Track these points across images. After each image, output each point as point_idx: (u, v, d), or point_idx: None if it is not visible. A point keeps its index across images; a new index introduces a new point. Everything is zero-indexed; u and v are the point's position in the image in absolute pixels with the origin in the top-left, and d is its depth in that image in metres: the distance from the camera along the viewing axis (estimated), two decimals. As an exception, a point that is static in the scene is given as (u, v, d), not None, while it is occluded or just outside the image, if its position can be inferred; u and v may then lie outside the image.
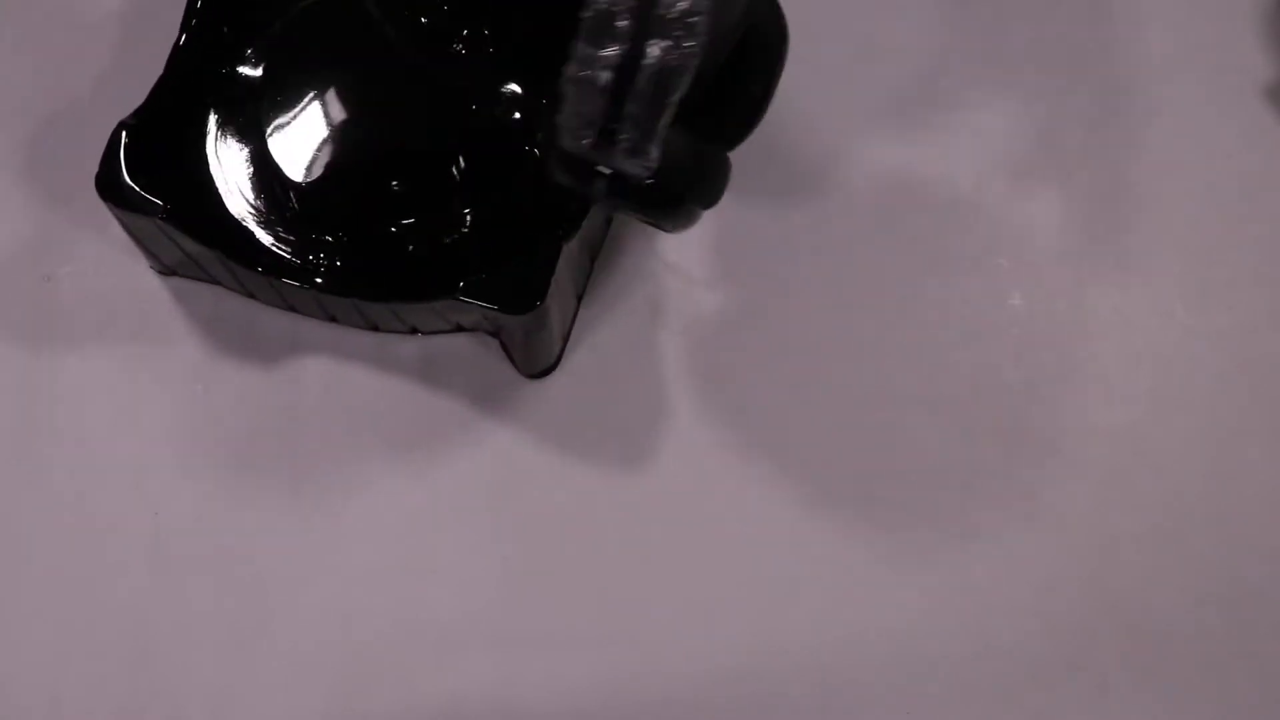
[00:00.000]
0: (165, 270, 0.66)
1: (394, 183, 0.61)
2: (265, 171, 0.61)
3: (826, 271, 0.66)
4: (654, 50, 0.48)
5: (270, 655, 0.60)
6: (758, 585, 0.62)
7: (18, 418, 0.64)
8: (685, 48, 0.48)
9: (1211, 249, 0.67)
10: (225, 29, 0.63)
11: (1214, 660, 0.61)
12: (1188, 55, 0.71)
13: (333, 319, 0.65)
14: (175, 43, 0.62)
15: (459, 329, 0.64)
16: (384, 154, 0.62)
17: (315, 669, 0.60)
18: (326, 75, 0.63)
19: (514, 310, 0.58)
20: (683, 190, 0.52)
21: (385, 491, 0.63)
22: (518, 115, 0.62)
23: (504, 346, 0.64)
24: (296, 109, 0.62)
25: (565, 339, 0.65)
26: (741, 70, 0.54)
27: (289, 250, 0.61)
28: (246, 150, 0.62)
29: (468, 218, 0.61)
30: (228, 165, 0.62)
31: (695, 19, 0.48)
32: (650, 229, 0.67)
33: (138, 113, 0.61)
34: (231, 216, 0.61)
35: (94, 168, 0.60)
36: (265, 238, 0.61)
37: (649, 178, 0.50)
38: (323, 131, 0.62)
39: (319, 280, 0.60)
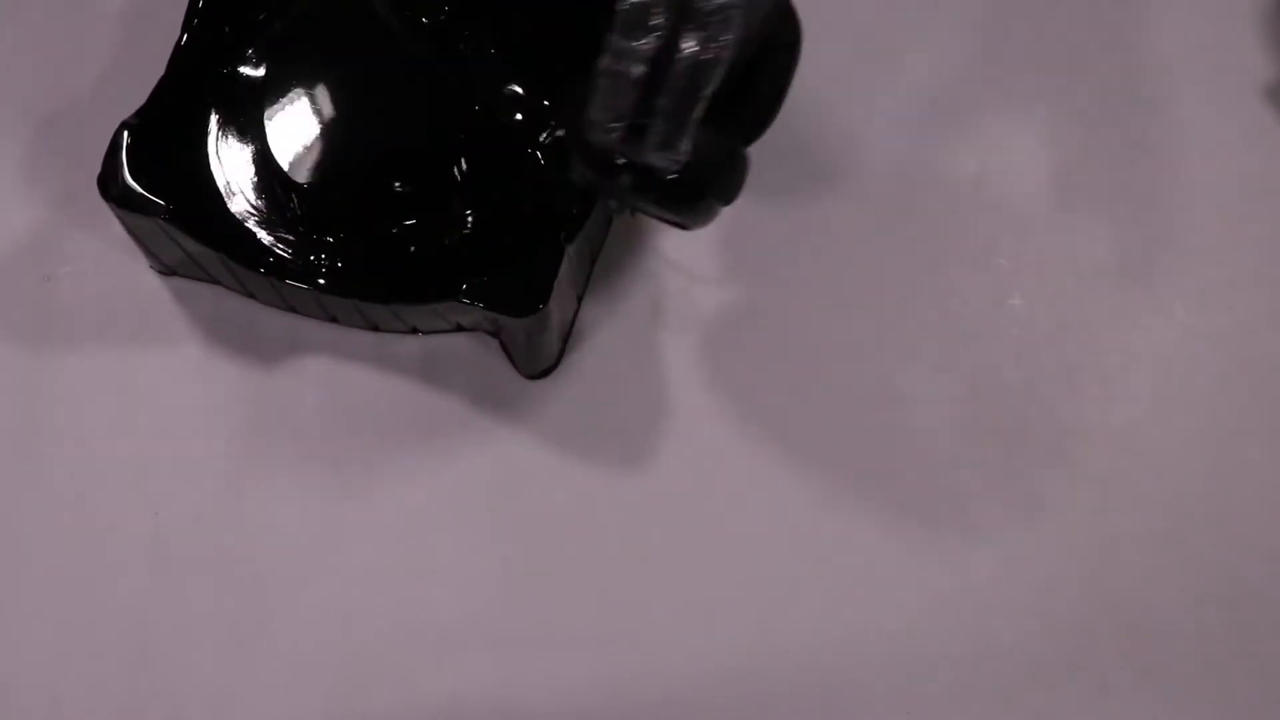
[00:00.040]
0: (165, 270, 0.66)
1: (395, 183, 0.61)
2: (266, 172, 0.61)
3: (827, 272, 0.66)
4: (689, 43, 0.48)
5: (270, 655, 0.60)
6: (758, 585, 0.62)
7: (18, 418, 0.64)
8: (720, 40, 0.48)
9: (1211, 249, 0.67)
10: (226, 29, 0.63)
11: (1214, 660, 0.61)
12: (1188, 55, 0.71)
13: (333, 319, 0.65)
14: (177, 43, 0.63)
15: (459, 329, 0.64)
16: (385, 155, 0.62)
17: (315, 669, 0.60)
18: (328, 76, 0.63)
19: (516, 313, 0.58)
20: (706, 185, 0.53)
21: (385, 491, 0.63)
22: (519, 116, 0.62)
23: (504, 347, 0.64)
24: (298, 109, 0.62)
25: (565, 339, 0.65)
26: (758, 68, 0.54)
27: (290, 251, 0.61)
28: (248, 150, 0.62)
29: (469, 219, 0.61)
30: (229, 165, 0.62)
31: (732, 11, 0.48)
32: (656, 229, 0.67)
33: (139, 113, 0.61)
34: (233, 217, 0.61)
35: (95, 168, 0.60)
36: (266, 238, 0.61)
37: (676, 171, 0.50)
38: (324, 132, 0.62)
39: (320, 281, 0.60)
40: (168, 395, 0.65)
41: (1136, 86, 0.70)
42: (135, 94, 0.61)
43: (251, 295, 0.65)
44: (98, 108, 0.67)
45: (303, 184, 0.61)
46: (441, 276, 0.59)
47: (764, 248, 0.67)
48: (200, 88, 0.62)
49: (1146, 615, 0.61)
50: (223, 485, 0.63)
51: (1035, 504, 0.63)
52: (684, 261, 0.67)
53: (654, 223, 0.66)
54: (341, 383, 0.65)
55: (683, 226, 0.55)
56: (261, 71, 0.63)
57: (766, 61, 0.54)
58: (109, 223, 0.62)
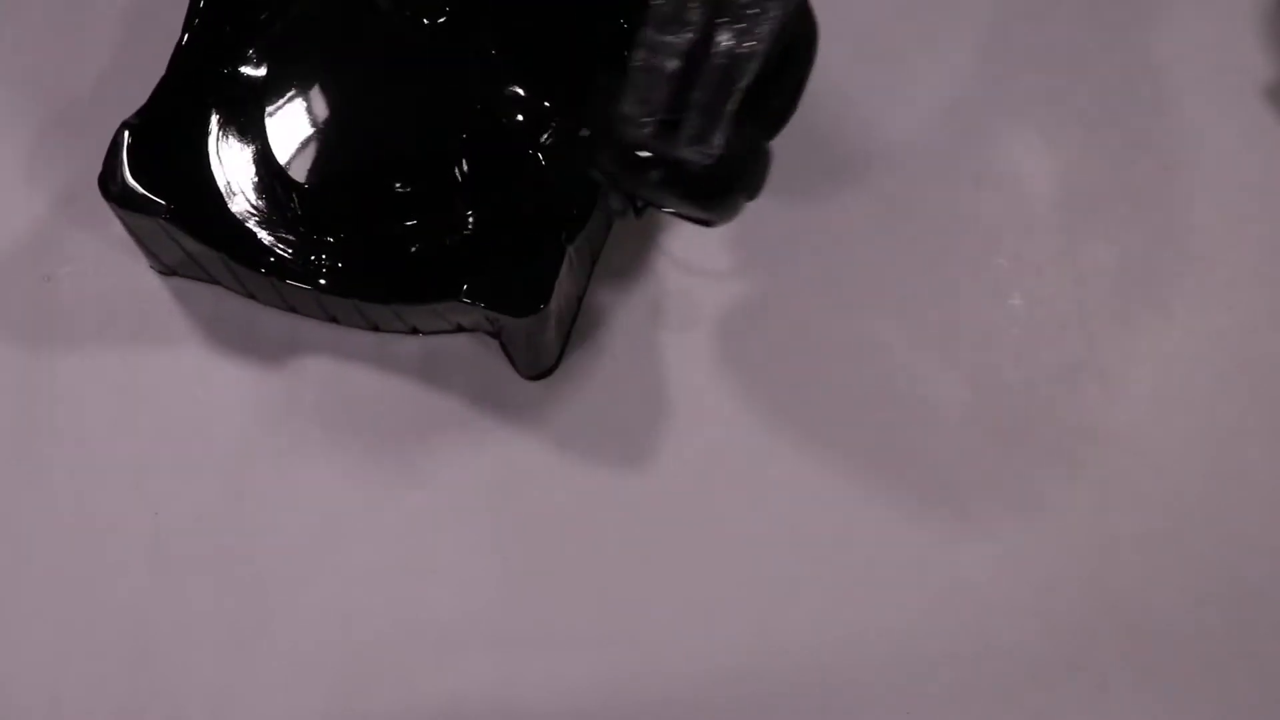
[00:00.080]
0: (165, 270, 0.66)
1: (396, 184, 0.61)
2: (267, 172, 0.61)
3: (826, 271, 0.66)
4: (724, 36, 0.48)
5: (270, 655, 0.60)
6: (758, 585, 0.62)
7: (18, 418, 0.64)
8: (756, 33, 0.48)
9: (1211, 249, 0.67)
10: (228, 29, 0.63)
11: (1214, 660, 0.61)
12: (1188, 55, 0.71)
13: (333, 319, 0.65)
14: (178, 43, 0.63)
15: (460, 329, 0.64)
16: (386, 155, 0.62)
17: (315, 669, 0.60)
18: (328, 76, 0.63)
19: (517, 312, 0.58)
20: (734, 179, 0.53)
21: (385, 491, 0.63)
22: (520, 117, 0.62)
23: (504, 348, 0.64)
24: (298, 109, 0.62)
25: (565, 339, 0.65)
26: (780, 64, 0.54)
27: (291, 251, 0.61)
28: (249, 150, 0.62)
29: (470, 219, 0.61)
30: (230, 165, 0.62)
31: (769, 3, 0.48)
32: (656, 230, 0.67)
33: (140, 113, 0.61)
34: (233, 217, 0.61)
35: (95, 168, 0.60)
36: (267, 238, 0.61)
37: (708, 165, 0.50)
38: (325, 132, 0.61)
39: (321, 281, 0.60)
40: (168, 395, 0.65)
41: (1136, 86, 0.70)
42: (136, 94, 0.61)
43: (252, 295, 0.65)
44: (98, 108, 0.67)
45: (303, 184, 0.61)
46: (442, 276, 0.59)
47: (763, 248, 0.67)
48: (201, 87, 0.62)
49: (1146, 615, 0.61)
50: (223, 485, 0.63)
51: (1035, 504, 0.63)
52: (686, 259, 0.66)
53: (654, 223, 0.66)
54: (341, 383, 0.65)
55: (707, 223, 0.55)
56: (262, 71, 0.63)
57: (787, 57, 0.54)
58: (109, 223, 0.62)
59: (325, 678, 0.60)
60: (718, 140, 0.50)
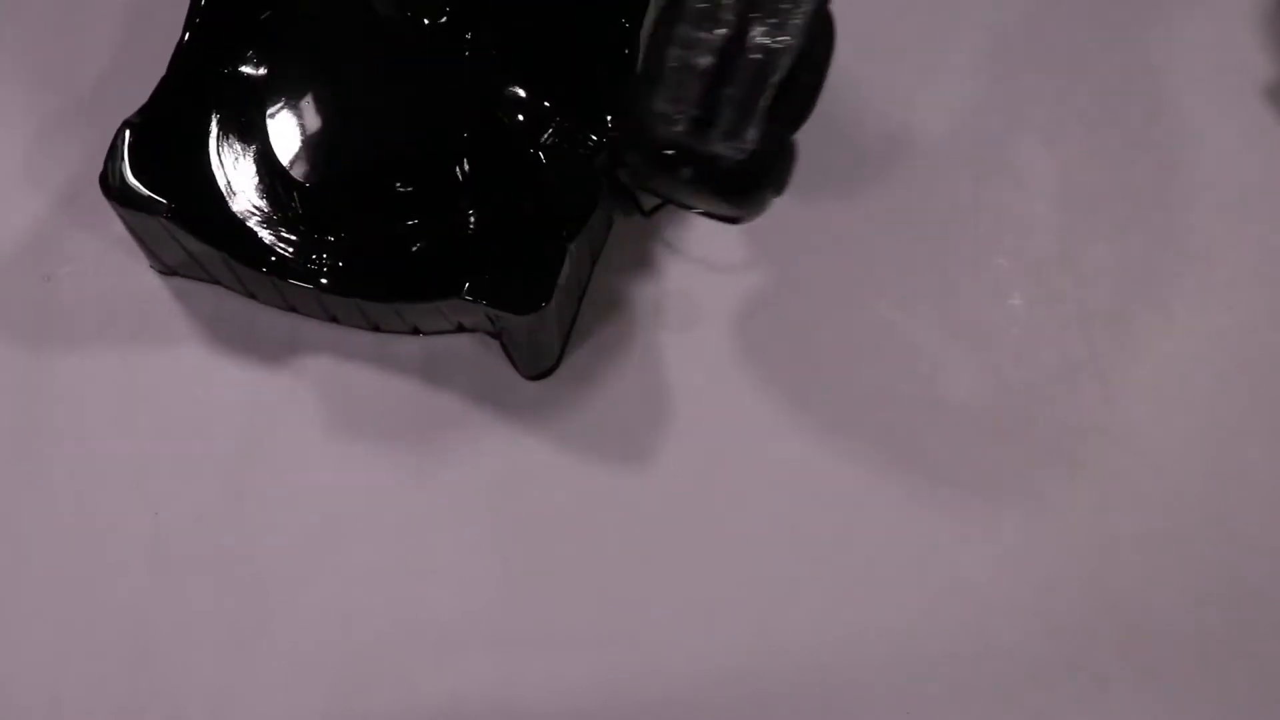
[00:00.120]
0: (166, 270, 0.66)
1: (397, 183, 0.61)
2: (268, 171, 0.61)
3: (825, 272, 0.66)
4: (758, 31, 0.48)
5: (270, 655, 0.60)
6: (758, 585, 0.62)
7: (18, 418, 0.64)
8: (789, 27, 0.48)
9: (1211, 249, 0.67)
10: (228, 28, 0.63)
11: (1214, 660, 0.61)
12: (1188, 55, 0.71)
13: (334, 319, 0.65)
14: (178, 42, 0.63)
15: (461, 329, 0.64)
16: (387, 155, 0.62)
17: (315, 669, 0.60)
18: (329, 75, 0.63)
19: (519, 310, 0.58)
20: (764, 175, 0.53)
21: (385, 491, 0.63)
22: (521, 117, 0.62)
23: (505, 348, 0.64)
24: (299, 109, 0.62)
25: (566, 339, 0.65)
26: (802, 59, 0.54)
27: (292, 250, 0.61)
28: (250, 150, 0.62)
29: (471, 218, 0.61)
30: (231, 165, 0.62)
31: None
32: (656, 231, 0.67)
33: (141, 112, 0.61)
34: (234, 216, 0.61)
35: (95, 168, 0.60)
36: (268, 237, 0.61)
37: (741, 161, 0.50)
38: (326, 131, 0.62)
39: (322, 280, 0.60)
40: (168, 395, 0.64)
41: (1136, 86, 0.70)
42: (136, 93, 0.61)
43: (252, 295, 0.65)
44: (98, 107, 0.67)
45: (304, 183, 0.61)
46: (443, 275, 0.59)
47: (762, 248, 0.67)
48: (202, 87, 0.62)
49: (1146, 615, 0.61)
50: (223, 485, 0.63)
51: (1035, 504, 0.63)
52: (685, 254, 0.67)
53: (655, 223, 0.66)
54: (341, 383, 0.65)
55: (734, 220, 0.55)
56: (263, 71, 0.63)
57: (808, 53, 0.54)
58: (110, 222, 0.62)
59: (325, 678, 0.60)
60: (751, 135, 0.50)
